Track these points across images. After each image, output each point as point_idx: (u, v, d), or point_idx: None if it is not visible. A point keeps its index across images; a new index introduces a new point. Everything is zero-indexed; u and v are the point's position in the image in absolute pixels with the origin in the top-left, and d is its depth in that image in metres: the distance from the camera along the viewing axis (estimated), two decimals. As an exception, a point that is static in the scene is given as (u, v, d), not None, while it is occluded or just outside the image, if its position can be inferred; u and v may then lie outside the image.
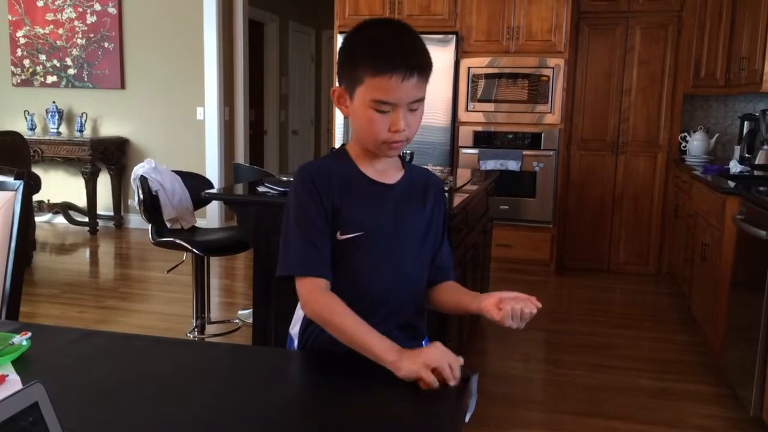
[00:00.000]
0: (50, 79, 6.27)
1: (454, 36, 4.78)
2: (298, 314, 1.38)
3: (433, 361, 1.08)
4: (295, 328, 1.39)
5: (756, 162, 3.88)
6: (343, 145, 1.35)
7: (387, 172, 1.32)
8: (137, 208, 3.18)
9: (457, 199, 2.65)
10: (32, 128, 6.14)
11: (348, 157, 1.32)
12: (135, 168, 3.17)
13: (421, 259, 1.36)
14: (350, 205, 1.27)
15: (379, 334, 1.17)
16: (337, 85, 1.30)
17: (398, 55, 1.19)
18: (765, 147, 3.91)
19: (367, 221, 1.27)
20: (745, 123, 4.41)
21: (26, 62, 6.29)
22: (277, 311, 2.48)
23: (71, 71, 6.21)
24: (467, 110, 4.86)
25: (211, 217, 5.92)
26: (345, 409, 1.04)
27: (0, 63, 6.34)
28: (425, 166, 2.62)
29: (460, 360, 1.11)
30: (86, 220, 6.03)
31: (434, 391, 1.07)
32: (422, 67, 1.21)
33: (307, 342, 1.34)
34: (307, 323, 1.34)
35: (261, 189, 2.59)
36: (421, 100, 1.24)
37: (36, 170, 5.39)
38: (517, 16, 4.69)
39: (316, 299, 1.23)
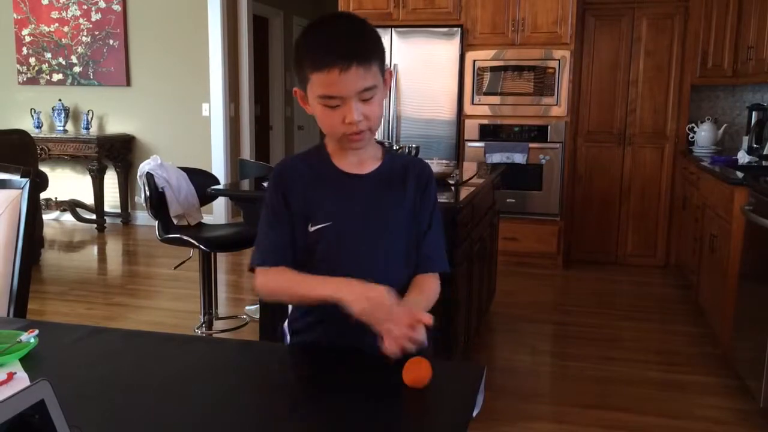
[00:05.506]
0: (56, 77, 6.29)
1: (459, 29, 4.75)
2: (290, 308, 1.41)
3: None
4: (286, 323, 1.40)
5: (764, 152, 3.85)
6: (323, 141, 1.36)
7: (364, 163, 1.32)
8: (144, 204, 3.19)
9: (464, 192, 2.64)
10: (39, 126, 6.16)
11: (325, 151, 1.33)
12: (141, 165, 3.18)
13: (400, 247, 1.32)
14: (319, 198, 1.29)
15: (324, 278, 1.22)
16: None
17: (332, 47, 1.18)
18: (773, 137, 3.88)
19: (336, 212, 1.28)
20: (753, 113, 4.38)
21: (32, 60, 6.31)
22: (284, 306, 2.48)
23: (77, 69, 6.23)
24: (473, 103, 4.84)
25: (217, 213, 5.93)
26: (351, 405, 1.04)
27: (6, 62, 6.36)
28: (431, 160, 2.62)
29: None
30: (93, 217, 6.06)
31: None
32: (359, 54, 1.18)
33: (296, 333, 1.36)
34: (293, 317, 1.38)
35: (267, 184, 2.59)
36: (372, 88, 1.21)
37: (43, 168, 5.39)
38: (522, 8, 4.66)
39: (267, 279, 1.30)
